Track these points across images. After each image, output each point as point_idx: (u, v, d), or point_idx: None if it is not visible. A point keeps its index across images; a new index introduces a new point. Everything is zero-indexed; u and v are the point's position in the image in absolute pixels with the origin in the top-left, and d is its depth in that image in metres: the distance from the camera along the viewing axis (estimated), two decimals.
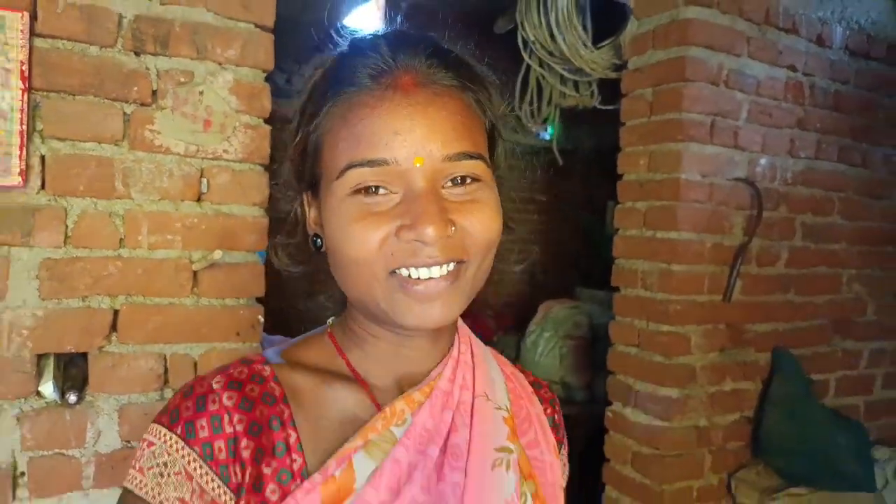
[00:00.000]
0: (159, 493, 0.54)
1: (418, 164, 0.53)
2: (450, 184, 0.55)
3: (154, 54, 1.35)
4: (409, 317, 0.56)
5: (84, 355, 1.33)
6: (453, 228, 0.54)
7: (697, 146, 2.04)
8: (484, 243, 0.57)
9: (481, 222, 0.56)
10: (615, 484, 2.24)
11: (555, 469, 0.68)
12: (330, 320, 0.68)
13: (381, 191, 0.54)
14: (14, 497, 1.27)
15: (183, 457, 0.54)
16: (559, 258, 4.93)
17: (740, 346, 2.20)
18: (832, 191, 2.36)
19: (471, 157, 0.55)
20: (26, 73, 1.22)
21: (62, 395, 1.30)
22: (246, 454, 0.55)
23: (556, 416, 0.75)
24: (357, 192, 0.54)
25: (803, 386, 2.16)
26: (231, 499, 0.55)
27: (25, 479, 1.28)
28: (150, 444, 0.55)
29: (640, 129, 2.16)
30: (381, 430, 0.58)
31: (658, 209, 2.09)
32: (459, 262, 0.56)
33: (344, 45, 0.59)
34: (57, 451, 1.30)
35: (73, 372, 1.34)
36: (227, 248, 1.42)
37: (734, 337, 2.18)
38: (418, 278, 0.55)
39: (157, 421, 0.56)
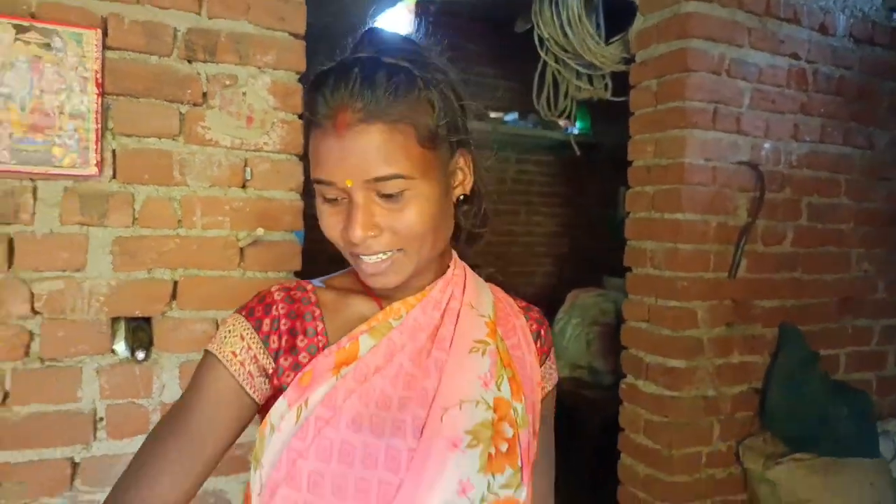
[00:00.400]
0: (221, 348, 0.77)
1: (349, 184, 0.71)
2: (381, 197, 0.72)
3: (204, 61, 1.58)
4: (368, 280, 0.78)
5: (149, 319, 1.56)
6: (372, 234, 0.73)
7: (700, 132, 2.18)
8: (413, 236, 0.74)
9: (406, 222, 0.73)
10: (629, 451, 2.39)
11: (535, 368, 0.87)
12: None
13: (335, 197, 0.74)
14: (95, 438, 1.51)
15: (241, 325, 0.78)
16: (586, 250, 5.05)
17: (747, 321, 2.32)
18: (838, 173, 2.46)
19: (388, 178, 0.71)
20: (100, 80, 1.46)
21: (132, 353, 1.53)
22: (284, 328, 0.78)
23: (541, 331, 0.93)
24: (323, 196, 0.76)
25: (807, 357, 2.28)
26: (267, 357, 0.77)
27: (104, 423, 1.52)
28: (226, 322, 0.80)
29: (646, 117, 2.30)
30: (381, 320, 0.80)
31: (664, 192, 2.24)
32: (398, 250, 0.75)
33: (316, 74, 0.75)
34: (129, 400, 1.54)
35: (141, 334, 1.57)
36: (268, 228, 1.63)
37: (741, 312, 2.30)
38: (363, 260, 0.76)
39: (235, 311, 0.81)
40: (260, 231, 1.60)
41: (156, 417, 1.55)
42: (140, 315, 1.55)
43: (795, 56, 2.33)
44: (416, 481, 0.71)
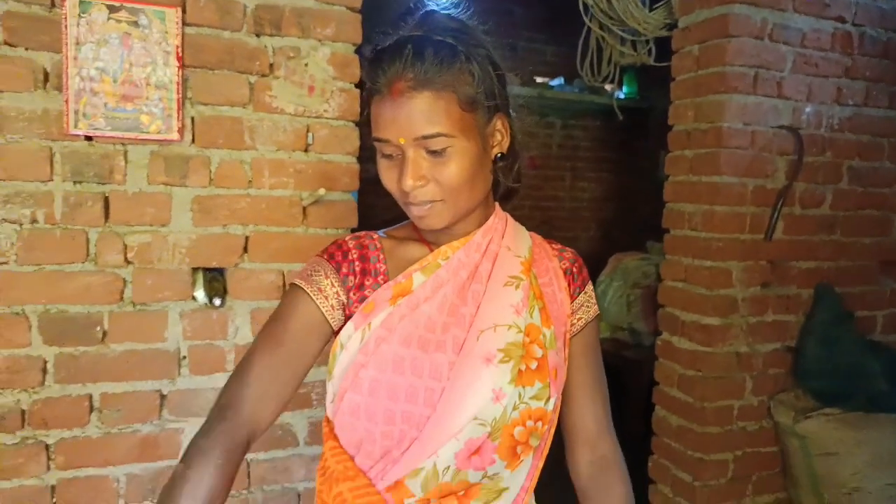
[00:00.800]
0: (307, 284, 0.93)
1: (402, 141, 0.85)
2: (428, 153, 0.86)
3: (270, 35, 1.72)
4: (417, 222, 0.93)
5: (223, 270, 1.75)
6: (420, 183, 0.86)
7: (740, 97, 2.23)
8: (452, 189, 0.87)
9: (447, 174, 0.86)
10: (664, 404, 2.51)
11: (564, 303, 1.00)
12: None
13: (391, 154, 0.88)
14: (179, 373, 1.71)
15: (325, 266, 0.94)
16: (631, 215, 5.10)
17: (783, 282, 2.39)
18: (882, 136, 2.48)
19: (433, 136, 0.84)
20: (180, 54, 1.62)
21: (210, 300, 1.72)
22: (357, 269, 0.94)
23: (573, 268, 1.05)
24: (382, 153, 0.90)
25: (842, 316, 2.34)
26: (345, 293, 0.93)
27: (186, 360, 1.72)
28: (311, 264, 0.96)
29: (687, 82, 2.36)
30: (431, 260, 0.95)
31: (703, 156, 2.30)
32: (440, 201, 0.88)
33: (370, 52, 0.91)
34: (207, 341, 1.73)
35: (216, 283, 1.76)
36: (328, 189, 1.79)
37: (777, 273, 2.37)
38: (412, 206, 0.90)
39: (317, 255, 0.97)
40: (321, 191, 1.75)
41: (231, 357, 1.74)
42: (216, 266, 1.73)
43: (841, 19, 2.34)
44: (454, 388, 0.86)
